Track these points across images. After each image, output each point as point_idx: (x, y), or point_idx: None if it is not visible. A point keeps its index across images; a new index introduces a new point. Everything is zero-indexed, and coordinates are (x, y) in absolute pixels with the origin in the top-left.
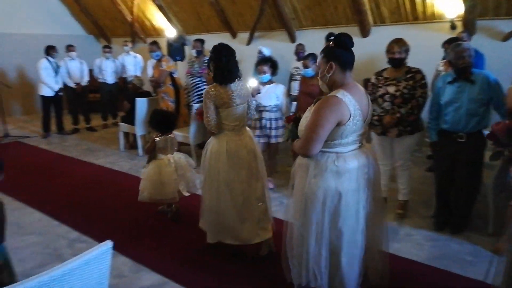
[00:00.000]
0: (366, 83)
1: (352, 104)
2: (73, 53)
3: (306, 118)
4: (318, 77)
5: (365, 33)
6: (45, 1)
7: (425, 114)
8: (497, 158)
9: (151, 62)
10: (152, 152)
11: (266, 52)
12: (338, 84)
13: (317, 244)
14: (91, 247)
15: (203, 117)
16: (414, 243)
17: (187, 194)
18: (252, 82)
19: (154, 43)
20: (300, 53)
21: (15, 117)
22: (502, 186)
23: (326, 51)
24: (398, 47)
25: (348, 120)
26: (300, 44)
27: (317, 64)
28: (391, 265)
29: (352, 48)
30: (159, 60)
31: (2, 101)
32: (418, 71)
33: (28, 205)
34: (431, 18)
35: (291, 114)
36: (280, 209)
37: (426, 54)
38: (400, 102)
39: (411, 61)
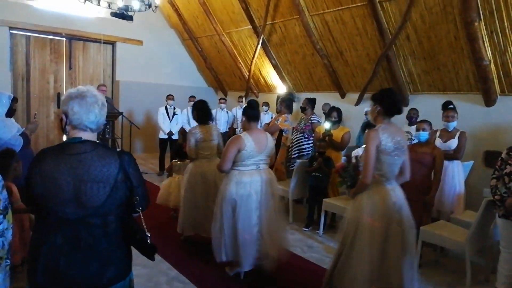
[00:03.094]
0: (486, 156)
1: (248, 140)
2: (194, 103)
3: None
4: (430, 145)
5: (489, 102)
6: (179, 57)
7: None
8: (341, 185)
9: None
10: (170, 171)
11: None
12: (246, 129)
13: (227, 230)
14: None
15: (186, 148)
16: None
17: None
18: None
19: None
20: (412, 118)
21: (136, 154)
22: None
23: (243, 111)
24: None
25: (244, 149)
26: (413, 109)
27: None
28: None
29: (472, 118)
30: (279, 113)
31: (131, 140)
32: None
33: None
34: None
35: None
36: None
37: None
38: None
39: None
